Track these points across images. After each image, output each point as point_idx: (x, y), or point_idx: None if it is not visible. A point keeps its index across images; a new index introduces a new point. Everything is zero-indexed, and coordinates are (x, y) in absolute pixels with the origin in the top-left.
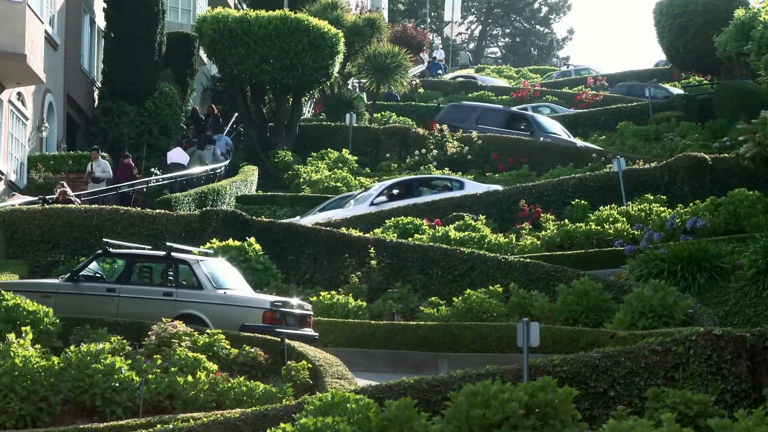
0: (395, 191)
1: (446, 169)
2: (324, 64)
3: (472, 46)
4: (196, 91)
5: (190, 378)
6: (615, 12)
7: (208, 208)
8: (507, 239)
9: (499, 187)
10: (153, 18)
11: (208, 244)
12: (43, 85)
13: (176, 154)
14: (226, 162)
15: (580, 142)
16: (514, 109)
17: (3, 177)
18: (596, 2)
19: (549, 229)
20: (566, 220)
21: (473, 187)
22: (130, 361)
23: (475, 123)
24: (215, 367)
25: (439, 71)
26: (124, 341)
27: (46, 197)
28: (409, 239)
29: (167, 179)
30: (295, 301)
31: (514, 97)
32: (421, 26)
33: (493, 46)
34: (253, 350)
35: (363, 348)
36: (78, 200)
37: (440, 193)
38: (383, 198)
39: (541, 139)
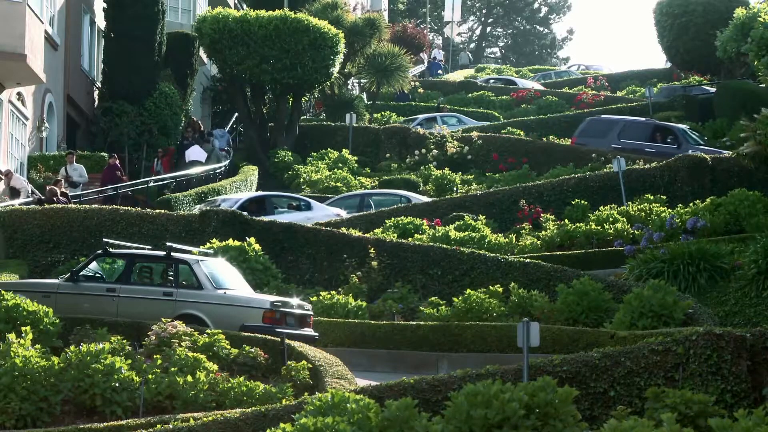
0: (247, 206)
1: (446, 169)
2: (324, 64)
3: (472, 46)
4: (196, 91)
5: (190, 378)
6: (615, 12)
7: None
8: (507, 239)
9: (343, 213)
10: (153, 18)
11: (208, 244)
12: (43, 85)
13: (194, 152)
14: (226, 162)
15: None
16: (657, 121)
17: (3, 177)
18: (596, 2)
19: (549, 229)
20: (566, 220)
21: (320, 209)
22: (130, 361)
23: (618, 138)
24: (215, 367)
25: (439, 71)
26: (124, 341)
27: (41, 197)
28: (409, 239)
29: (167, 179)
30: (295, 301)
31: (514, 97)
32: (421, 26)
33: (493, 46)
34: (253, 350)
35: (363, 348)
36: (63, 199)
37: (289, 213)
38: None
39: (690, 152)
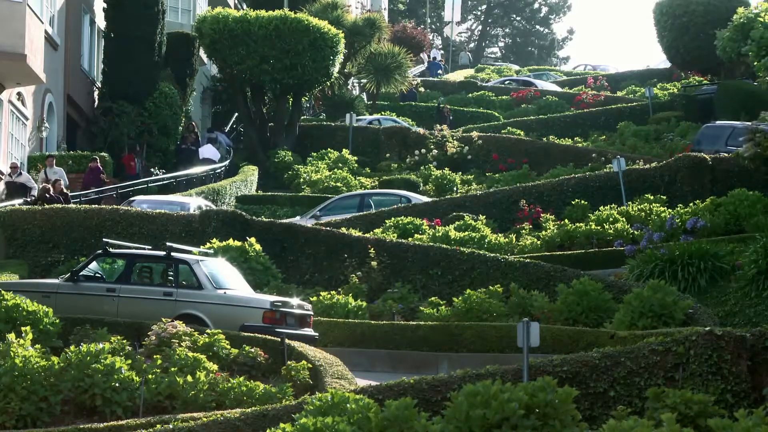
0: None
1: (446, 169)
2: (324, 64)
3: (472, 46)
4: (196, 91)
5: (190, 378)
6: (615, 12)
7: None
8: (507, 239)
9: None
10: (153, 18)
11: (208, 244)
12: (43, 85)
13: (207, 150)
14: (226, 162)
15: None
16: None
17: (2, 177)
18: (596, 2)
19: (549, 229)
20: (566, 220)
21: None
22: (130, 361)
23: (725, 144)
24: (215, 367)
25: (440, 71)
26: (124, 341)
27: (35, 197)
28: (409, 239)
29: (167, 179)
30: (295, 301)
31: (514, 97)
32: (421, 26)
33: (493, 46)
34: (253, 350)
35: (363, 348)
36: (58, 197)
37: None
38: None
39: None
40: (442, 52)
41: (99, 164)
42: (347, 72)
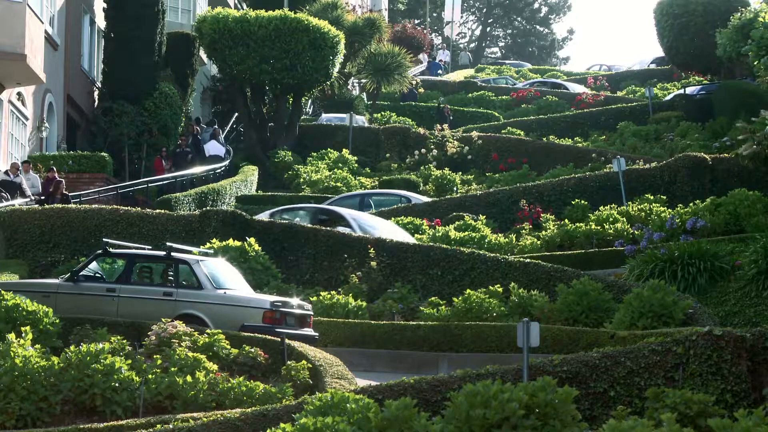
0: None
1: (446, 169)
2: (324, 64)
3: (472, 46)
4: (196, 91)
5: (189, 378)
6: (615, 12)
7: (208, 208)
8: (507, 239)
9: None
10: (153, 18)
11: (208, 244)
12: (43, 85)
13: (213, 147)
14: (226, 162)
15: None
16: None
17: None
18: (596, 2)
19: (549, 229)
20: (566, 220)
21: None
22: (130, 361)
23: None
24: (215, 367)
25: (440, 71)
26: (124, 341)
27: (41, 197)
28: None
29: (168, 179)
30: (295, 301)
31: (514, 97)
32: (421, 26)
33: (494, 46)
34: (253, 350)
35: (363, 348)
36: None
37: None
38: None
39: None
40: (448, 53)
41: (55, 174)
42: (347, 72)
